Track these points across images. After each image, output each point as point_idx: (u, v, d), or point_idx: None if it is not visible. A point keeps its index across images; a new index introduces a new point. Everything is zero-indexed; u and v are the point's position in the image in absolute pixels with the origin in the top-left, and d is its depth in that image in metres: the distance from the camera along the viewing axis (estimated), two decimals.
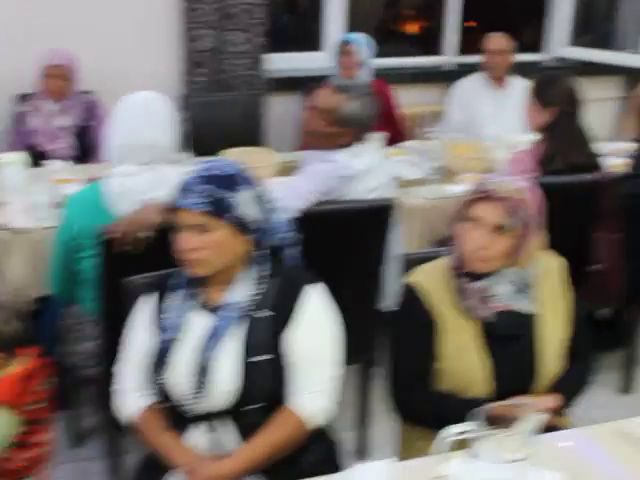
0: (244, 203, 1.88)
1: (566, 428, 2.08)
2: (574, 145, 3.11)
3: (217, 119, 4.38)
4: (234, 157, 3.70)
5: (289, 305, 1.92)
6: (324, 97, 2.85)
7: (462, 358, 2.03)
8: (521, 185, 2.01)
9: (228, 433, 1.92)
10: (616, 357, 3.65)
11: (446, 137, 4.32)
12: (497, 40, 4.52)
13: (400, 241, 2.99)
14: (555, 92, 3.17)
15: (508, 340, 2.04)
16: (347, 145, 2.84)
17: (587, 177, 3.12)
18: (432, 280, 2.07)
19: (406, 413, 2.12)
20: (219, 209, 1.85)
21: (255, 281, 1.94)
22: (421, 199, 3.43)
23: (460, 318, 2.04)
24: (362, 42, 4.35)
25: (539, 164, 3.11)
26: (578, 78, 5.34)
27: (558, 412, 2.08)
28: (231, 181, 1.89)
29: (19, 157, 3.41)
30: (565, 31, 5.49)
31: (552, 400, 2.06)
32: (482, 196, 1.98)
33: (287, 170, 3.39)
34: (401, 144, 4.16)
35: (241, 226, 1.89)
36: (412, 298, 2.06)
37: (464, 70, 4.88)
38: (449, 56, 5.43)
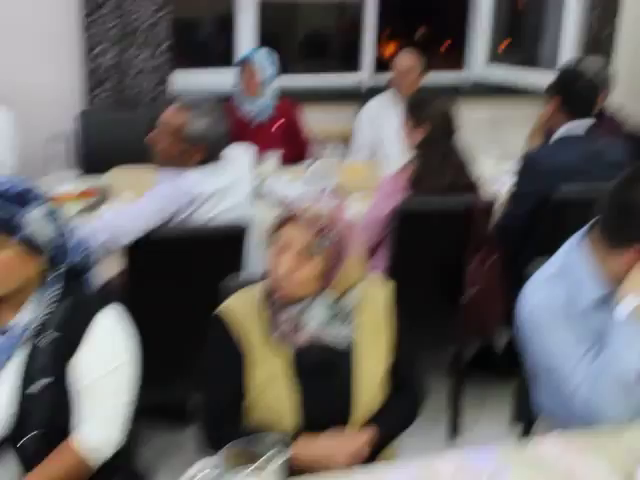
0: (35, 222, 1.79)
1: (388, 461, 2.00)
2: (445, 166, 3.02)
3: (118, 136, 4.24)
4: (120, 175, 3.64)
5: (76, 329, 1.82)
6: (170, 115, 2.76)
7: (270, 390, 1.92)
8: (332, 205, 1.91)
9: (9, 465, 1.82)
10: (510, 386, 3.58)
11: (349, 157, 4.28)
12: (404, 58, 4.38)
13: (259, 263, 2.90)
14: (427, 111, 3.08)
15: (320, 371, 1.94)
16: (199, 164, 2.75)
17: (457, 200, 3.02)
18: (243, 308, 1.97)
19: (215, 450, 2.01)
20: (5, 228, 1.76)
21: (45, 304, 1.84)
22: None
23: (270, 348, 1.94)
24: (264, 59, 4.19)
25: (409, 185, 3.02)
26: (498, 97, 5.39)
27: (379, 445, 2.00)
28: (19, 199, 1.79)
29: None
30: (485, 50, 5.45)
31: (367, 434, 1.96)
32: (289, 218, 1.90)
33: None
34: (300, 164, 4.08)
35: (32, 246, 1.80)
36: (220, 328, 1.96)
37: (381, 89, 4.79)
38: (365, 74, 5.36)
